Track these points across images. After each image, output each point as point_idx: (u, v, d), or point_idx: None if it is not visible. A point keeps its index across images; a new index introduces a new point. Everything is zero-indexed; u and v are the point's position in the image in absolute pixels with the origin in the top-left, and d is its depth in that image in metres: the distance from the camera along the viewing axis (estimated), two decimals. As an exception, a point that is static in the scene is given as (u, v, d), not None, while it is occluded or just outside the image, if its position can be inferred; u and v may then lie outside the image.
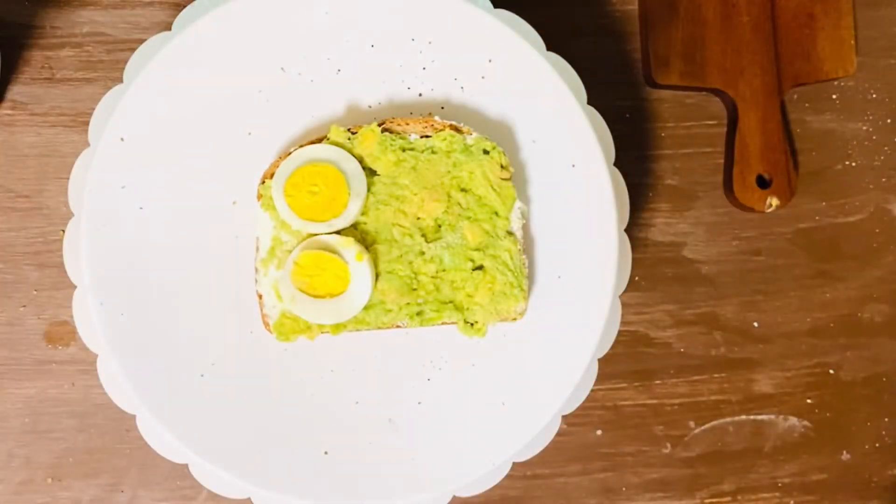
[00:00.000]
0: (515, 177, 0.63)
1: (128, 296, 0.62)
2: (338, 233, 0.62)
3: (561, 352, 0.63)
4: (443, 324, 0.63)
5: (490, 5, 0.65)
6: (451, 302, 0.63)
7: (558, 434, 0.64)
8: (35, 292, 0.65)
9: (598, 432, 0.68)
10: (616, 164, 0.64)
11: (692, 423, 0.69)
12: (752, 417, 0.70)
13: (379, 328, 0.63)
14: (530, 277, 0.64)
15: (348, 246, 0.61)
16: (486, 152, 0.62)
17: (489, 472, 0.63)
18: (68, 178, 0.63)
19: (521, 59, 0.64)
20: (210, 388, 0.62)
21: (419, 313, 0.62)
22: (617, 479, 0.68)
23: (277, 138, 0.64)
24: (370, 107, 0.64)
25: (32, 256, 0.65)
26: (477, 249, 0.62)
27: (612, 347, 0.64)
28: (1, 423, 0.65)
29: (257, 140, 0.64)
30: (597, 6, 0.71)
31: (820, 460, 0.70)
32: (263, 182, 0.63)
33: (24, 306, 0.65)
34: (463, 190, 0.63)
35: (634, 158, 0.71)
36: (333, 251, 0.61)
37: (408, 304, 0.62)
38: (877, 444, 0.71)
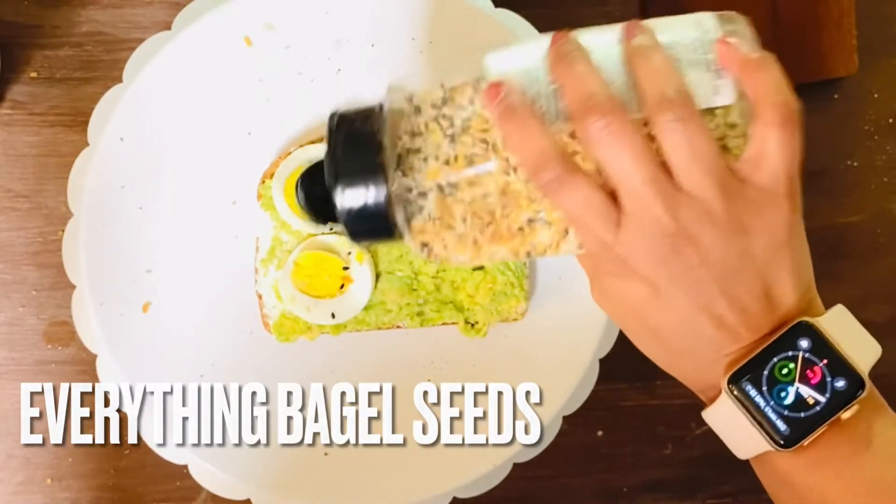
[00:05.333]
0: (516, 177, 0.63)
1: (127, 296, 0.62)
2: (338, 233, 0.62)
3: (561, 352, 0.63)
4: (443, 324, 0.63)
5: (491, 5, 0.65)
6: (451, 302, 0.63)
7: (559, 435, 0.64)
8: (34, 292, 0.65)
9: (599, 433, 0.68)
10: (617, 163, 0.64)
11: (693, 424, 0.69)
12: (753, 418, 0.69)
13: (379, 328, 0.63)
14: (531, 277, 0.64)
15: (348, 246, 0.61)
16: (486, 152, 0.62)
17: (489, 473, 0.63)
18: (68, 178, 0.63)
19: (521, 59, 0.64)
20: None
21: (419, 313, 0.62)
22: (618, 480, 0.68)
23: (277, 138, 0.64)
24: (370, 106, 0.64)
25: (32, 256, 0.65)
26: (477, 249, 0.62)
27: (613, 348, 0.64)
28: (0, 423, 0.65)
29: (257, 140, 0.64)
30: (597, 6, 0.71)
31: (821, 461, 0.70)
32: (263, 182, 0.63)
33: (23, 306, 0.65)
34: (463, 190, 0.63)
35: (635, 158, 0.70)
36: (333, 251, 0.61)
37: (408, 304, 0.62)
38: (878, 445, 0.71)
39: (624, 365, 0.68)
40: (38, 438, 0.64)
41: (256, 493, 0.62)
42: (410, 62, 0.64)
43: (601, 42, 0.41)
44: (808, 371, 0.40)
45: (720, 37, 0.41)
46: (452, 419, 0.63)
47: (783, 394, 0.40)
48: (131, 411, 0.62)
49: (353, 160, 0.41)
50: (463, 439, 0.63)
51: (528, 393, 0.63)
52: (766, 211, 0.40)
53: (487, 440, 0.63)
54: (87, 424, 0.65)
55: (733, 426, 0.41)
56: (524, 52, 0.42)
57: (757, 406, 0.40)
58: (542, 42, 0.42)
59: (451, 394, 0.63)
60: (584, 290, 0.63)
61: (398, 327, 0.63)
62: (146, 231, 0.63)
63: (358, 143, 0.41)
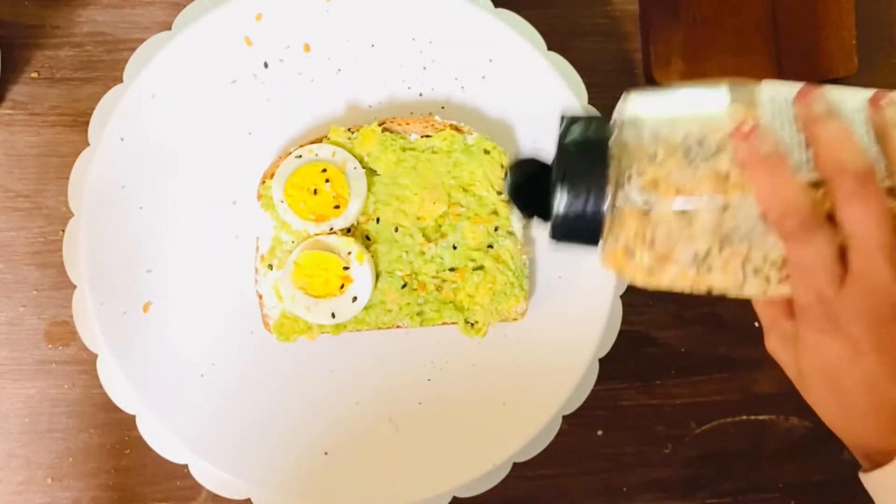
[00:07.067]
0: (516, 177, 0.63)
1: (127, 296, 0.62)
2: (338, 233, 0.62)
3: (561, 352, 0.63)
4: (443, 324, 0.63)
5: (491, 5, 0.65)
6: (451, 302, 0.63)
7: (559, 434, 0.64)
8: (35, 292, 0.65)
9: (599, 432, 0.68)
10: (617, 163, 0.64)
11: (693, 424, 0.69)
12: (753, 417, 0.69)
13: (379, 328, 0.63)
14: (530, 277, 0.64)
15: (348, 246, 0.61)
16: (486, 152, 0.62)
17: (489, 473, 0.63)
18: (68, 178, 0.63)
19: (521, 59, 0.64)
20: (210, 388, 0.62)
21: (419, 313, 0.62)
22: (618, 480, 0.68)
23: (277, 138, 0.64)
24: (370, 107, 0.64)
25: (32, 256, 0.65)
26: (477, 249, 0.62)
27: (613, 347, 0.64)
28: (0, 423, 0.65)
29: (257, 140, 0.64)
30: (597, 6, 0.71)
31: (821, 460, 0.70)
32: (263, 182, 0.63)
33: (24, 306, 0.65)
34: (463, 190, 0.63)
35: (635, 158, 0.70)
36: (333, 251, 0.61)
37: (408, 304, 0.62)
38: (878, 445, 0.71)
39: (624, 365, 0.68)
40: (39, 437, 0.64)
41: (256, 493, 0.62)
42: (410, 62, 0.64)
43: (845, 102, 0.42)
44: None
45: None
46: (453, 419, 0.63)
47: None
48: (131, 411, 0.63)
49: (582, 167, 0.42)
50: (463, 439, 0.63)
51: (528, 392, 0.63)
52: None
53: (487, 440, 0.63)
54: (86, 423, 0.65)
55: None
56: (769, 93, 0.42)
57: None
58: (788, 88, 0.43)
59: (451, 394, 0.63)
60: (584, 291, 0.64)
61: (398, 327, 0.63)
62: (146, 231, 0.63)
63: (589, 150, 0.42)
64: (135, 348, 0.62)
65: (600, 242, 0.43)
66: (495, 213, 0.62)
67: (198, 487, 0.64)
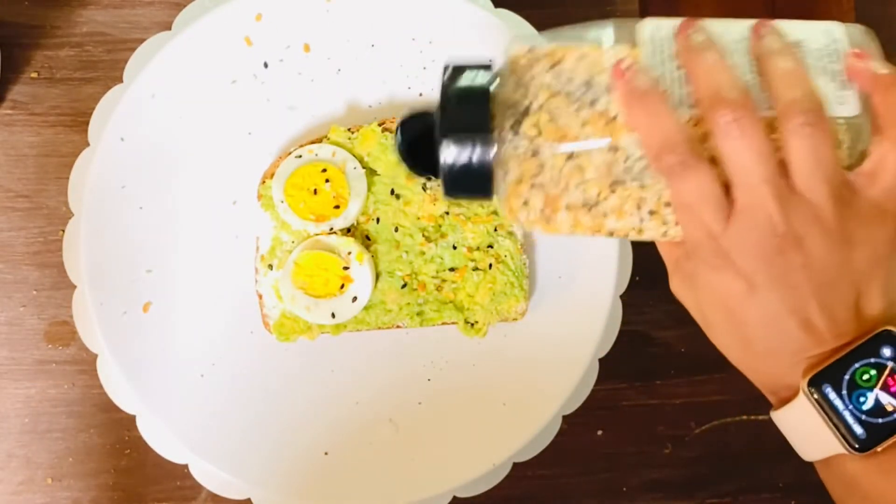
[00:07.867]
0: (516, 176, 0.63)
1: (128, 296, 0.62)
2: (338, 233, 0.62)
3: (561, 352, 0.63)
4: (443, 324, 0.63)
5: (491, 5, 0.65)
6: (451, 302, 0.63)
7: (559, 434, 0.64)
8: (35, 292, 0.65)
9: (599, 432, 0.68)
10: (616, 163, 0.64)
11: (693, 424, 0.69)
12: (753, 418, 0.69)
13: (379, 328, 0.63)
14: (530, 277, 0.64)
15: (348, 246, 0.61)
16: (486, 152, 0.62)
17: (489, 473, 0.63)
18: (68, 178, 0.63)
19: (521, 59, 0.64)
20: (210, 388, 0.62)
21: (419, 313, 0.62)
22: (618, 480, 0.68)
23: (277, 138, 0.64)
24: (370, 107, 0.64)
25: (32, 256, 0.65)
26: (477, 249, 0.62)
27: (613, 347, 0.64)
28: (0, 423, 0.65)
29: (257, 140, 0.64)
30: (597, 6, 0.71)
31: (821, 461, 0.70)
32: (263, 182, 0.63)
33: (23, 306, 0.65)
34: (463, 190, 0.63)
35: (635, 158, 0.70)
36: (333, 251, 0.61)
37: (408, 304, 0.62)
38: (878, 445, 0.71)
39: (624, 365, 0.68)
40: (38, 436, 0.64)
41: (256, 493, 0.62)
42: (410, 62, 0.64)
43: (728, 34, 0.41)
44: (890, 379, 0.40)
45: (850, 49, 0.42)
46: (453, 419, 0.63)
47: (862, 399, 0.40)
48: (131, 411, 0.63)
49: (464, 116, 0.41)
50: (463, 439, 0.63)
51: (527, 392, 0.63)
52: (872, 225, 0.40)
53: (487, 440, 0.63)
54: (86, 423, 0.65)
55: (806, 427, 0.42)
56: (649, 29, 0.41)
57: (835, 409, 0.40)
58: (669, 23, 0.42)
59: (451, 394, 0.63)
60: (584, 291, 0.64)
61: (398, 327, 0.63)
62: (146, 231, 0.63)
63: (471, 99, 0.41)
64: (135, 348, 0.62)
65: (493, 193, 0.42)
66: (495, 213, 0.62)
67: (198, 487, 0.64)
